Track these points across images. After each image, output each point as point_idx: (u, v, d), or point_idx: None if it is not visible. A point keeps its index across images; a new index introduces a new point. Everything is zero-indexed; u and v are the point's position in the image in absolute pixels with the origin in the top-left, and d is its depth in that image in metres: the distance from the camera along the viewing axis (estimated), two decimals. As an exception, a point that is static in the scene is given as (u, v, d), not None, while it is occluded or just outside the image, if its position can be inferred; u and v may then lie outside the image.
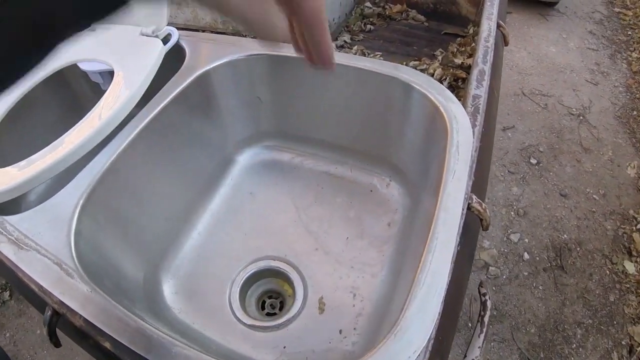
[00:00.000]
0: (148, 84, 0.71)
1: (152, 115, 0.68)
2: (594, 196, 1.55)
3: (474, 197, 0.55)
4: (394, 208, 0.78)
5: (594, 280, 1.38)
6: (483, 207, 0.56)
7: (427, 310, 0.44)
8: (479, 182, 0.61)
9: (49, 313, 0.49)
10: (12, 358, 1.26)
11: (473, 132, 0.60)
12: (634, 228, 1.47)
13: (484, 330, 0.53)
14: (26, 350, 1.27)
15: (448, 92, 0.65)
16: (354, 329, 0.68)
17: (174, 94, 0.71)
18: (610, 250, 1.43)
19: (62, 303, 0.48)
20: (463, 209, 0.52)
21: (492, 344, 1.26)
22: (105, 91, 0.69)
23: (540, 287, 1.37)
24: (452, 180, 0.54)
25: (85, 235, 0.57)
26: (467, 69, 1.11)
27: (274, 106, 0.81)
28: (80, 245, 0.54)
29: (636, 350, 1.24)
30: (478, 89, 0.67)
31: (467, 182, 0.55)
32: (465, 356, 0.51)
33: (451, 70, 1.09)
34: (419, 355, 0.42)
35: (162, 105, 0.70)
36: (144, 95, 0.70)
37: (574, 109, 1.81)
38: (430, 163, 0.66)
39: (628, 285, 1.36)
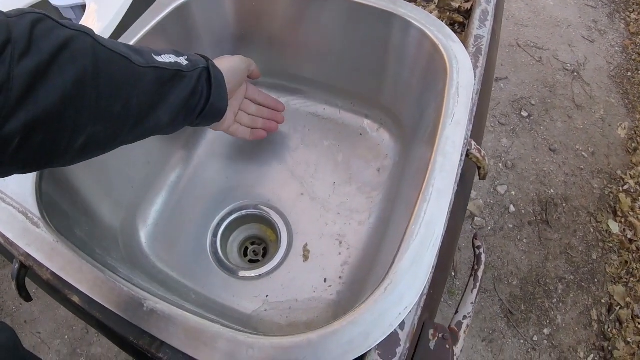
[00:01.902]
0: (122, 15, 0.66)
1: (125, 47, 0.62)
2: (583, 154, 1.53)
3: (473, 143, 0.51)
4: (384, 153, 0.74)
5: (577, 237, 1.38)
6: (482, 154, 0.52)
7: (420, 264, 0.41)
8: (478, 128, 0.57)
9: (16, 266, 0.45)
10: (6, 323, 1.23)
11: (475, 73, 0.56)
12: (621, 189, 1.46)
13: (477, 285, 0.50)
14: (11, 301, 1.25)
15: (448, 29, 0.60)
16: (340, 277, 0.65)
17: (149, 26, 0.65)
18: (595, 209, 1.43)
19: (28, 255, 0.44)
20: (462, 155, 0.49)
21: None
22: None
23: (525, 241, 1.37)
24: (450, 123, 0.50)
25: (54, 182, 0.52)
26: (465, 13, 1.05)
27: (259, 41, 0.75)
28: (47, 193, 0.50)
29: (615, 310, 1.25)
30: (481, 29, 0.62)
31: (467, 127, 0.51)
32: (456, 312, 0.49)
33: (448, 13, 1.03)
34: (410, 311, 0.39)
35: (136, 38, 0.63)
36: (118, 28, 0.64)
37: (568, 65, 1.76)
38: (426, 106, 0.62)
39: (611, 245, 1.36)
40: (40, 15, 0.33)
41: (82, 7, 0.69)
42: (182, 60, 0.47)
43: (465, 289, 0.51)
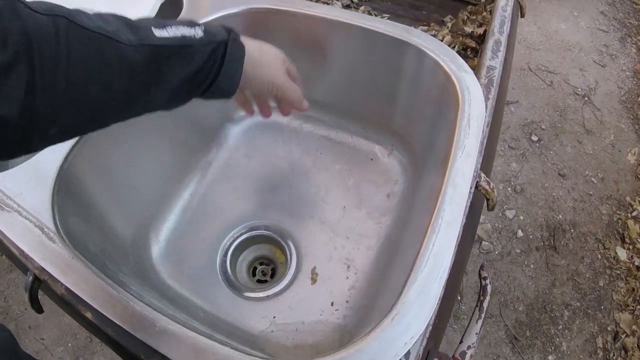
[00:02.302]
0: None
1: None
2: (592, 179, 1.53)
3: (482, 175, 0.52)
4: (395, 179, 0.75)
5: (585, 264, 1.37)
6: (491, 186, 0.53)
7: (427, 294, 0.42)
8: (487, 160, 0.58)
9: (30, 278, 0.46)
10: (3, 313, 1.24)
11: (486, 105, 0.57)
12: (629, 215, 1.46)
13: (482, 316, 0.51)
14: (16, 305, 1.26)
15: (461, 60, 0.61)
16: (347, 301, 0.66)
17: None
18: (603, 235, 1.42)
19: (42, 269, 0.46)
20: (471, 188, 0.50)
21: (479, 320, 1.26)
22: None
23: (532, 266, 1.36)
24: (461, 155, 0.51)
25: (70, 197, 0.54)
26: (477, 38, 1.06)
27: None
28: (63, 208, 0.51)
29: (621, 337, 1.24)
30: (493, 60, 0.63)
31: (477, 159, 0.52)
32: (461, 341, 0.49)
33: (460, 38, 1.04)
34: (416, 341, 0.40)
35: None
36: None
37: (579, 89, 1.76)
38: (437, 135, 0.63)
39: (618, 272, 1.36)
40: (8, 1, 0.31)
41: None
42: (197, 32, 0.42)
43: (470, 319, 0.52)
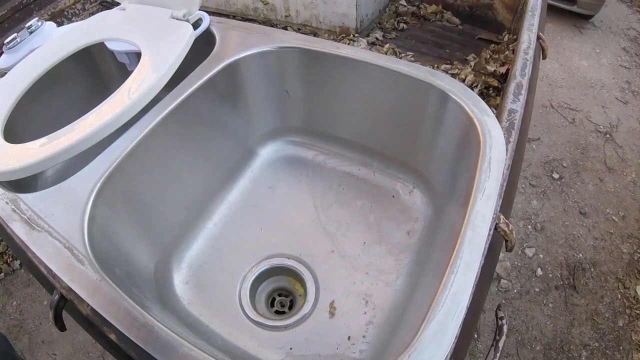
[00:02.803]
0: (175, 68, 0.70)
1: (177, 101, 0.67)
2: (614, 217, 1.52)
3: (502, 217, 0.53)
4: (415, 217, 0.76)
5: (604, 303, 1.35)
6: (510, 228, 0.54)
7: (444, 333, 0.43)
8: (507, 201, 0.59)
9: (56, 297, 0.48)
10: (17, 326, 1.27)
11: (506, 148, 0.58)
12: (651, 254, 1.43)
13: (498, 355, 0.51)
14: (31, 319, 1.28)
15: (484, 104, 0.63)
16: (363, 336, 0.66)
17: (201, 81, 0.70)
18: (624, 274, 1.40)
19: (70, 289, 0.47)
20: (490, 230, 0.50)
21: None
22: (131, 72, 0.68)
23: (550, 305, 1.34)
24: (481, 198, 0.52)
25: (100, 221, 0.56)
26: (500, 77, 1.08)
27: (301, 101, 0.79)
28: (93, 231, 0.53)
29: (641, 379, 1.21)
30: (514, 103, 0.65)
31: (497, 202, 0.53)
32: (478, 381, 0.49)
33: (483, 77, 1.06)
34: (433, 380, 0.41)
35: (188, 92, 0.68)
36: (170, 80, 0.68)
37: (601, 126, 1.76)
38: (459, 175, 0.64)
39: (638, 312, 1.33)
40: None
41: (138, 55, 0.74)
42: None
43: (486, 358, 0.52)
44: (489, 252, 0.51)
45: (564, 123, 1.77)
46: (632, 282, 1.38)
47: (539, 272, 1.40)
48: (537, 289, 1.36)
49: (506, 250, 0.57)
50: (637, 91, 1.90)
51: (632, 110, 1.83)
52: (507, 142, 0.59)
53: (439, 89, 0.65)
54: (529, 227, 1.49)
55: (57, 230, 0.52)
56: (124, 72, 0.79)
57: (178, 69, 0.70)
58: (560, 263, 1.42)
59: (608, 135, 1.74)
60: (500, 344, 0.51)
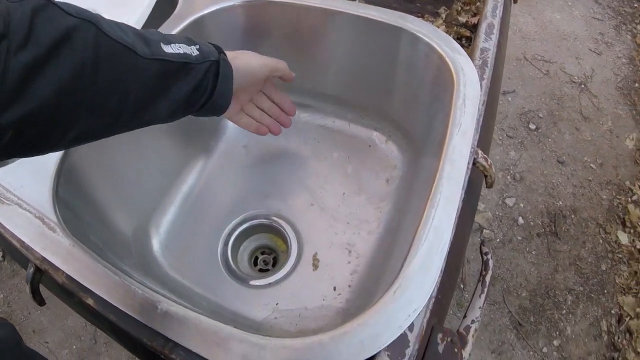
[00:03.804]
0: (141, 26, 0.67)
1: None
2: (591, 165, 1.54)
3: (479, 152, 0.53)
4: (393, 164, 0.76)
5: (586, 249, 1.37)
6: (489, 162, 0.53)
7: (428, 268, 0.42)
8: (484, 138, 0.58)
9: (31, 270, 0.47)
10: (6, 318, 1.24)
11: (481, 85, 0.57)
12: (630, 199, 1.46)
13: (485, 290, 0.51)
14: (20, 310, 1.26)
15: (455, 43, 0.62)
16: (349, 286, 0.66)
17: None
18: (604, 220, 1.43)
19: (44, 259, 0.46)
20: (469, 163, 0.50)
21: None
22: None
23: (534, 252, 1.37)
24: (457, 133, 0.51)
25: (71, 189, 0.54)
26: (472, 27, 1.07)
27: (270, 54, 0.76)
28: (64, 200, 0.51)
29: (625, 320, 1.24)
30: (487, 42, 0.64)
31: (474, 136, 0.52)
32: (464, 317, 0.49)
33: (455, 28, 1.05)
34: (419, 314, 0.40)
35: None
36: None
37: (575, 77, 1.77)
38: (434, 117, 0.63)
39: (620, 256, 1.36)
40: (43, 2, 0.32)
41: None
42: (193, 50, 0.45)
43: (474, 293, 0.52)
44: (469, 188, 0.51)
45: (538, 75, 1.78)
46: (613, 227, 1.41)
47: (521, 220, 1.41)
48: (519, 237, 1.38)
49: (486, 187, 0.57)
50: (611, 42, 1.91)
51: (606, 61, 1.84)
52: (481, 79, 0.58)
53: (409, 32, 0.63)
54: (508, 177, 1.50)
55: (27, 202, 0.50)
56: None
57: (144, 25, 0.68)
58: (541, 211, 1.44)
59: (583, 86, 1.75)
60: (487, 279, 0.51)
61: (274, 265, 0.72)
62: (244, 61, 0.55)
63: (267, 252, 0.73)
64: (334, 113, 0.81)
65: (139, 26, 0.68)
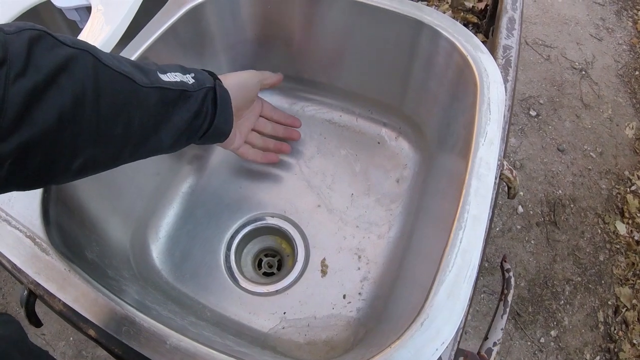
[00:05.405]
0: (131, 18, 0.62)
1: (136, 54, 0.59)
2: (591, 154, 1.52)
3: (505, 163, 0.49)
4: (404, 163, 0.72)
5: (585, 239, 1.37)
6: (514, 174, 0.50)
7: (457, 296, 0.39)
8: (506, 145, 0.55)
9: (24, 293, 0.43)
10: (2, 311, 1.21)
11: (505, 87, 0.53)
12: (628, 189, 1.45)
13: (507, 310, 0.49)
14: (15, 302, 1.23)
15: (476, 39, 0.57)
16: (359, 293, 0.64)
17: (161, 30, 0.62)
18: (603, 210, 1.42)
19: (37, 284, 0.42)
20: (496, 178, 0.47)
21: (482, 295, 1.26)
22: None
23: (533, 242, 1.36)
24: (483, 143, 0.48)
25: (62, 201, 0.50)
26: (479, 13, 1.02)
27: (275, 44, 0.72)
28: (54, 214, 0.47)
29: (621, 311, 1.25)
30: (509, 39, 0.60)
31: (500, 146, 0.49)
32: (486, 338, 0.47)
33: (462, 13, 1.01)
34: (447, 347, 0.38)
35: (147, 43, 0.60)
36: (126, 32, 0.61)
37: (576, 63, 1.73)
38: (453, 118, 0.59)
39: (618, 246, 1.35)
40: (39, 32, 0.32)
41: (88, 9, 0.66)
42: (189, 79, 0.46)
43: (495, 313, 0.49)
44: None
45: (539, 60, 1.74)
46: (612, 218, 1.40)
47: (520, 209, 1.40)
48: (518, 227, 1.37)
49: (508, 197, 0.54)
50: (611, 28, 1.87)
51: (607, 47, 1.80)
52: (505, 80, 0.55)
53: (426, 24, 0.59)
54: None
55: (16, 218, 0.46)
56: (75, 31, 0.70)
57: (135, 19, 0.62)
58: (541, 200, 1.42)
59: (584, 72, 1.71)
60: (509, 298, 0.49)
61: (279, 268, 0.69)
62: (234, 77, 0.56)
63: (271, 255, 0.70)
64: (341, 107, 0.76)
65: (132, 12, 0.63)
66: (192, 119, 0.45)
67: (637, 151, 1.53)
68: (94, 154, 0.36)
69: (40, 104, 0.30)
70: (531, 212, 1.40)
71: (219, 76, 0.53)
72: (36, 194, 0.47)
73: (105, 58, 0.36)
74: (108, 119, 0.36)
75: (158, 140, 0.42)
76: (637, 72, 1.72)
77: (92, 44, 0.39)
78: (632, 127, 1.58)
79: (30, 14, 0.66)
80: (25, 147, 0.31)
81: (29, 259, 0.43)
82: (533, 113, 1.59)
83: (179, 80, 0.44)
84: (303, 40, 0.70)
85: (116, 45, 0.60)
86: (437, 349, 0.37)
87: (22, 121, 0.30)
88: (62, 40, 0.33)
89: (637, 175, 1.48)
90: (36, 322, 0.46)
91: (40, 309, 0.46)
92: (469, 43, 0.57)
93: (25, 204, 0.46)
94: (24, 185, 0.34)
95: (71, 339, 1.17)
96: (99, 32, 0.60)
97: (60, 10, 0.73)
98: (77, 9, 0.72)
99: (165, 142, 0.44)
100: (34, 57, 0.31)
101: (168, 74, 0.43)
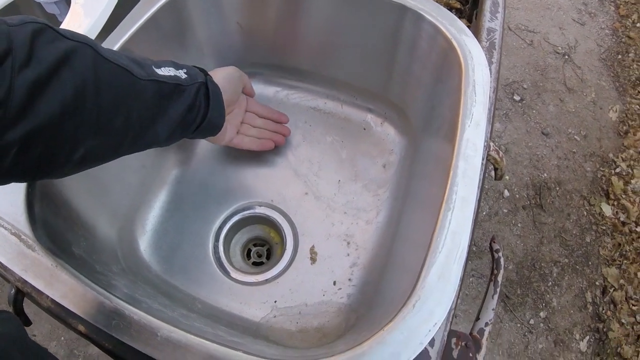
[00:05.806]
0: (111, 9, 0.61)
1: (117, 46, 0.58)
2: (575, 137, 1.53)
3: (491, 144, 0.50)
4: (390, 149, 0.72)
5: (571, 221, 1.38)
6: (500, 155, 0.50)
7: (448, 278, 0.40)
8: (492, 127, 0.55)
9: (12, 291, 0.42)
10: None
11: (490, 70, 0.53)
12: (613, 172, 1.47)
13: (498, 290, 0.49)
14: (4, 303, 1.20)
15: (460, 23, 0.57)
16: (349, 279, 0.64)
17: (141, 20, 0.61)
18: (588, 192, 1.43)
19: (24, 281, 0.41)
20: (483, 159, 0.47)
21: (470, 279, 1.27)
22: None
23: (519, 225, 1.37)
24: (470, 125, 0.48)
25: (45, 197, 0.49)
26: (462, -2, 1.03)
27: (258, 32, 0.71)
28: (39, 210, 0.46)
29: (609, 292, 1.27)
30: (492, 21, 0.60)
31: (486, 127, 0.49)
32: (477, 319, 0.47)
33: (445, -1, 1.01)
34: (439, 328, 0.38)
35: (128, 34, 0.59)
36: (106, 25, 0.60)
37: (559, 48, 1.74)
38: (438, 102, 0.59)
39: (604, 227, 1.37)
40: (41, 25, 0.33)
41: (67, 2, 0.65)
42: (181, 74, 0.47)
43: (486, 294, 0.50)
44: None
45: (522, 45, 1.75)
46: (597, 200, 1.42)
47: (506, 193, 1.41)
48: (505, 210, 1.38)
49: (495, 179, 0.54)
50: (594, 12, 1.88)
51: (590, 32, 1.82)
52: (490, 62, 0.55)
53: (410, 8, 0.59)
54: (495, 151, 1.49)
55: (0, 215, 0.45)
56: (55, 25, 0.69)
57: (115, 11, 0.62)
58: (526, 183, 1.43)
59: (567, 57, 1.73)
60: (499, 278, 0.49)
61: (268, 257, 0.69)
62: (221, 72, 0.57)
63: (260, 244, 0.70)
64: (326, 94, 0.76)
65: (112, 4, 0.62)
66: (186, 112, 0.46)
67: (621, 134, 1.55)
68: (95, 145, 0.37)
69: (43, 95, 0.31)
70: (517, 196, 1.42)
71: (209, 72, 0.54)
72: (20, 190, 0.46)
73: (103, 51, 0.37)
74: (108, 111, 0.37)
75: (155, 132, 0.44)
76: (619, 56, 1.74)
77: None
78: (616, 110, 1.60)
79: (9, 9, 0.65)
80: (30, 136, 0.31)
81: (15, 256, 0.42)
82: (517, 98, 1.60)
83: (172, 74, 0.45)
84: (286, 28, 0.70)
85: (96, 38, 0.59)
86: (429, 330, 0.38)
87: (26, 111, 0.31)
88: (63, 33, 0.34)
89: (622, 157, 1.49)
90: (25, 321, 0.45)
91: (30, 309, 0.45)
92: (453, 26, 0.57)
93: (9, 201, 0.45)
94: (25, 176, 0.35)
95: (62, 338, 1.16)
96: (78, 25, 0.59)
97: (39, 4, 0.71)
98: (57, 2, 0.71)
99: (161, 134, 0.45)
100: (37, 50, 0.31)
101: (162, 68, 0.45)
